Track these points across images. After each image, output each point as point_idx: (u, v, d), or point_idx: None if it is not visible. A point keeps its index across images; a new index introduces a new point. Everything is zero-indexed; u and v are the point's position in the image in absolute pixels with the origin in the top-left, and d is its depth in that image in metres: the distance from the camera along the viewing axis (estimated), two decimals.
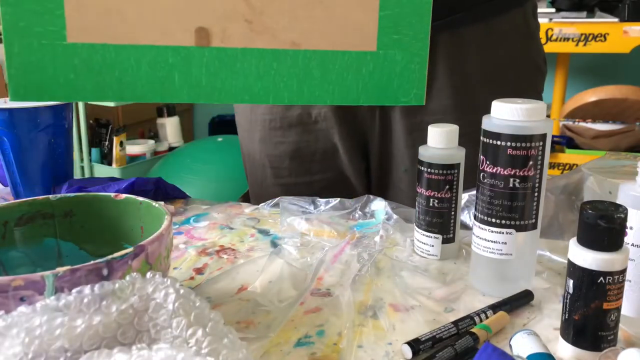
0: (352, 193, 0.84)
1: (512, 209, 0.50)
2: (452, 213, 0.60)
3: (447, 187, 0.59)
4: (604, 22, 2.05)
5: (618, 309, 0.42)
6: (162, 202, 0.50)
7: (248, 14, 0.44)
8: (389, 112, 0.79)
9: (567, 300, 0.43)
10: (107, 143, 2.43)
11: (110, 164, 2.43)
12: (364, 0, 0.46)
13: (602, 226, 0.40)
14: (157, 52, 0.45)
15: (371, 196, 0.73)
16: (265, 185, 0.87)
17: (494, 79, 0.77)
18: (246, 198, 0.97)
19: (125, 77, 0.45)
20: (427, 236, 0.60)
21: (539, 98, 0.83)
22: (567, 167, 2.19)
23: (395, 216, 0.68)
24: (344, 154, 0.82)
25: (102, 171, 2.40)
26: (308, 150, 0.83)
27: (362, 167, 0.84)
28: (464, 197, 0.66)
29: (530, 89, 0.81)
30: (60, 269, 0.37)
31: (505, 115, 0.49)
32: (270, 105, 0.81)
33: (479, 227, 0.53)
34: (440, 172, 0.58)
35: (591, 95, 2.13)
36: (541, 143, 0.49)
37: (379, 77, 0.48)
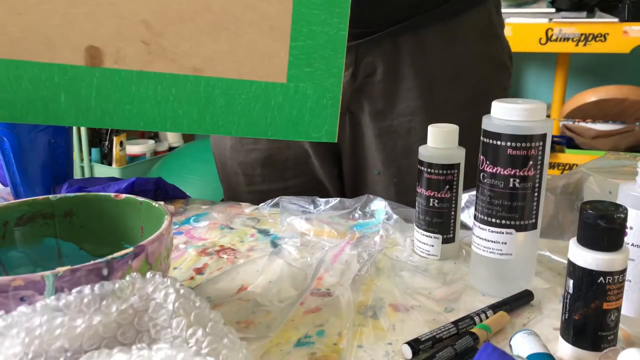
0: (326, 197, 0.84)
1: (512, 209, 0.50)
2: (452, 213, 0.60)
3: (447, 187, 0.59)
4: (604, 22, 2.05)
5: (618, 309, 0.42)
6: (162, 202, 0.50)
7: (146, 35, 0.41)
8: (359, 117, 0.79)
9: (567, 300, 0.43)
10: (107, 143, 2.43)
11: (110, 164, 2.43)
12: (275, 29, 0.42)
13: (602, 226, 0.40)
14: (41, 69, 0.40)
15: (371, 196, 0.73)
16: (239, 192, 0.86)
17: (458, 78, 0.78)
18: None
19: (3, 94, 0.41)
20: (427, 236, 0.60)
21: (506, 95, 0.83)
22: (567, 167, 2.19)
23: (395, 216, 0.68)
24: (316, 159, 0.82)
25: (102, 171, 2.40)
26: (280, 157, 0.82)
27: (335, 172, 0.84)
28: (464, 197, 0.66)
29: (495, 86, 0.81)
30: (60, 269, 0.37)
31: (505, 115, 0.49)
32: None
33: (479, 227, 0.53)
34: (440, 172, 0.58)
35: (591, 95, 2.13)
36: (541, 143, 0.49)
37: (289, 111, 0.45)
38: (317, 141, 0.46)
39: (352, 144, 0.81)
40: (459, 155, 0.59)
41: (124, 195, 0.52)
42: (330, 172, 0.84)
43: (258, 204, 0.76)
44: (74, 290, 0.34)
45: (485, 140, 0.51)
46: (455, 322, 0.47)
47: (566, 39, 2.07)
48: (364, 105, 0.78)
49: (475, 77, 0.79)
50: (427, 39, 0.75)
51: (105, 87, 0.41)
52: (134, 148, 2.59)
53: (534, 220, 0.51)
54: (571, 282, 0.42)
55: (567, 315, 0.43)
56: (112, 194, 0.53)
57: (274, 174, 0.83)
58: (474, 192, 0.54)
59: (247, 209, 0.77)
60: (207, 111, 0.43)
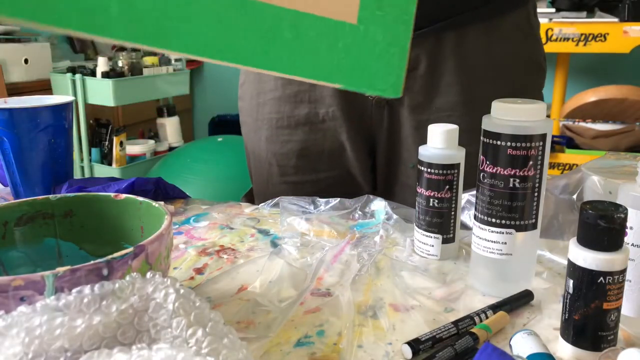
0: (357, 190, 0.84)
1: (512, 209, 0.50)
2: (452, 213, 0.60)
3: (447, 187, 0.59)
4: (604, 22, 2.05)
5: (618, 309, 0.42)
6: (162, 202, 0.50)
7: None
8: (398, 109, 0.80)
9: (567, 300, 0.43)
10: (107, 143, 2.43)
11: (110, 164, 2.43)
12: None
13: (602, 226, 0.40)
14: None
15: (371, 196, 0.73)
16: (271, 184, 0.87)
17: (498, 77, 0.79)
18: (249, 196, 0.96)
19: None
20: (427, 236, 0.60)
21: (540, 96, 0.85)
22: (567, 167, 2.19)
23: (395, 216, 0.68)
24: (351, 152, 0.83)
25: (102, 171, 2.40)
26: (315, 149, 0.83)
27: (369, 164, 0.85)
28: (464, 197, 0.66)
29: (532, 87, 0.82)
30: (60, 269, 0.37)
31: (505, 115, 0.49)
32: (277, 104, 0.82)
33: (479, 227, 0.53)
34: (440, 172, 0.58)
35: (591, 95, 2.13)
36: (541, 143, 0.49)
37: (356, 55, 0.41)
38: (381, 94, 0.42)
39: (389, 136, 0.82)
40: (459, 155, 0.59)
41: (124, 195, 0.52)
42: (365, 164, 0.84)
43: (290, 195, 0.77)
44: (74, 290, 0.34)
45: (485, 140, 0.51)
46: (455, 322, 0.47)
47: (566, 39, 2.07)
48: (403, 99, 0.79)
49: (514, 76, 0.80)
50: (470, 37, 0.77)
51: (162, 3, 0.36)
52: (134, 148, 2.59)
53: (534, 220, 0.51)
54: (571, 282, 0.42)
55: (567, 315, 0.43)
56: (112, 194, 0.53)
57: (308, 165, 0.84)
58: (474, 192, 0.54)
59: (247, 209, 0.77)
60: (272, 45, 0.39)
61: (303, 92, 0.80)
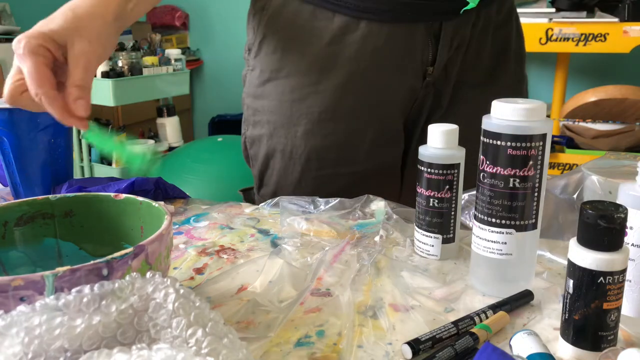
0: (388, 185, 0.85)
1: (512, 209, 0.50)
2: (452, 213, 0.60)
3: (447, 187, 0.59)
4: (604, 22, 2.05)
5: (618, 309, 0.42)
6: (162, 202, 0.50)
7: None
8: (463, 92, 0.82)
9: (567, 300, 0.43)
10: None
11: (110, 164, 2.43)
12: None
13: (602, 226, 0.40)
14: None
15: (371, 196, 0.73)
16: (304, 178, 0.85)
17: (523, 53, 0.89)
18: (249, 193, 0.95)
19: None
20: (427, 236, 0.60)
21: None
22: (567, 167, 2.19)
23: (395, 216, 0.68)
24: (390, 141, 0.83)
25: (102, 171, 2.40)
26: (356, 141, 0.82)
27: (401, 154, 0.86)
28: (464, 197, 0.66)
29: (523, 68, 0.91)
30: (60, 269, 0.37)
31: (506, 115, 0.49)
32: (321, 98, 0.80)
33: (479, 227, 0.53)
34: (440, 172, 0.58)
35: (591, 95, 2.13)
36: (541, 143, 0.49)
37: None
38: None
39: (428, 120, 0.83)
40: (459, 155, 0.59)
41: (123, 195, 0.52)
42: (397, 155, 0.85)
43: (318, 189, 0.76)
44: (73, 290, 0.34)
45: (485, 140, 0.51)
46: (455, 322, 0.47)
47: (566, 39, 2.07)
48: (466, 75, 0.83)
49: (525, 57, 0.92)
50: (513, 14, 0.85)
51: None
52: (134, 148, 2.59)
53: (534, 220, 0.51)
54: (571, 282, 0.42)
55: (567, 315, 0.43)
56: (112, 194, 0.53)
57: (348, 157, 0.83)
58: (474, 192, 0.54)
59: (247, 209, 0.77)
60: None
61: (348, 82, 0.78)
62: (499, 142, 0.49)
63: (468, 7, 0.74)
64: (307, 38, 0.78)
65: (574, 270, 0.42)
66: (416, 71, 0.78)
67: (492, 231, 0.52)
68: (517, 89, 0.88)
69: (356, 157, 0.82)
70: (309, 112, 0.81)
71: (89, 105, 0.58)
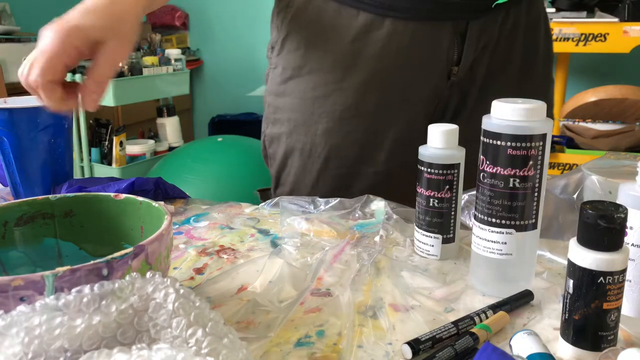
0: (410, 183, 0.83)
1: (512, 209, 0.50)
2: (452, 213, 0.60)
3: (447, 187, 0.59)
4: (604, 22, 2.05)
5: (618, 309, 0.42)
6: (162, 202, 0.50)
7: None
8: (490, 94, 0.80)
9: (567, 300, 0.43)
10: (107, 143, 2.43)
11: (110, 164, 2.43)
12: None
13: (602, 226, 0.40)
14: None
15: (371, 196, 0.73)
16: (323, 176, 0.84)
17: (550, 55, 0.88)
18: (265, 192, 0.94)
19: None
20: (427, 236, 0.60)
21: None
22: (567, 167, 2.19)
23: (395, 216, 0.68)
24: (412, 141, 0.81)
25: (102, 171, 2.40)
26: (377, 140, 0.81)
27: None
28: (464, 197, 0.66)
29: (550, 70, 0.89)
30: (60, 269, 0.37)
31: (506, 115, 0.49)
32: (344, 95, 0.79)
33: (479, 227, 0.53)
34: (440, 172, 0.58)
35: (591, 95, 2.13)
36: (541, 143, 0.49)
37: None
38: None
39: (452, 120, 0.82)
40: (459, 155, 0.59)
41: (123, 195, 0.52)
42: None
43: (336, 189, 0.75)
44: (73, 290, 0.34)
45: (485, 140, 0.51)
46: (455, 322, 0.47)
47: (566, 39, 2.07)
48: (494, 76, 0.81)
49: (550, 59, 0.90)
50: (542, 13, 0.85)
51: None
52: (134, 148, 2.59)
53: (534, 220, 0.51)
54: (571, 282, 0.42)
55: (567, 315, 0.43)
56: (112, 194, 0.53)
57: (368, 156, 0.82)
58: (474, 192, 0.54)
59: (247, 209, 0.77)
60: None
61: (372, 80, 0.77)
62: (499, 142, 0.49)
63: (500, 1, 0.73)
64: (331, 35, 0.77)
65: (574, 270, 0.42)
66: (441, 71, 0.77)
67: (492, 231, 0.52)
68: (545, 92, 0.87)
69: (377, 156, 0.81)
70: (331, 110, 0.80)
71: (99, 101, 0.58)
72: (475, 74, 0.79)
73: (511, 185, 0.50)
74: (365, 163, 0.81)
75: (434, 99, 0.80)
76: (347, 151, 0.81)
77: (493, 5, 0.74)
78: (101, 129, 2.45)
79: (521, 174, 0.50)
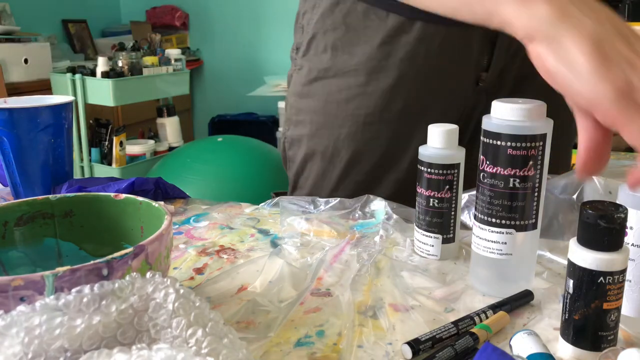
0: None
1: (512, 209, 0.50)
2: (452, 213, 0.60)
3: (447, 187, 0.59)
4: None
5: (618, 309, 0.42)
6: (162, 202, 0.50)
7: None
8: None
9: (567, 300, 0.43)
10: (107, 143, 2.44)
11: (110, 164, 2.43)
12: None
13: (602, 226, 0.40)
14: None
15: (371, 196, 0.73)
16: (342, 183, 0.82)
17: None
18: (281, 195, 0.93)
19: None
20: (427, 236, 0.60)
21: None
22: None
23: (395, 216, 0.68)
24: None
25: (102, 171, 2.41)
26: (399, 148, 0.79)
27: None
28: (464, 197, 0.66)
29: None
30: (60, 269, 0.37)
31: (505, 115, 0.49)
32: (367, 99, 0.77)
33: (479, 227, 0.53)
34: (440, 172, 0.58)
35: None
36: (541, 143, 0.49)
37: None
38: None
39: (477, 126, 0.80)
40: (459, 156, 0.59)
41: (123, 195, 0.52)
42: None
43: (358, 195, 0.75)
44: (73, 290, 0.34)
45: (485, 140, 0.51)
46: (455, 322, 0.47)
47: None
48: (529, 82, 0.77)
49: None
50: None
51: None
52: (134, 148, 2.60)
53: (534, 220, 0.51)
54: (571, 282, 0.42)
55: (567, 315, 0.43)
56: (112, 194, 0.53)
57: (391, 163, 0.80)
58: (474, 192, 0.54)
59: (247, 209, 0.77)
60: None
61: (398, 85, 0.75)
62: (499, 142, 0.49)
63: None
64: (359, 38, 0.75)
65: (574, 270, 0.42)
66: (469, 77, 0.76)
67: (492, 231, 0.52)
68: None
69: (400, 163, 0.80)
70: (355, 114, 0.78)
71: None
72: (504, 79, 0.77)
73: (511, 185, 0.50)
74: (387, 170, 0.80)
75: (460, 106, 0.78)
76: (369, 157, 0.79)
77: None
78: (101, 129, 2.45)
79: (521, 174, 0.50)
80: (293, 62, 0.84)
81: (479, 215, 0.53)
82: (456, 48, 0.74)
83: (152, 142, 2.68)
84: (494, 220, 0.51)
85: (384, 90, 0.76)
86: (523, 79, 0.78)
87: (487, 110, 0.79)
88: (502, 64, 0.76)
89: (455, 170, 0.59)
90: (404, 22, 0.73)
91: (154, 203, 0.50)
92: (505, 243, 0.51)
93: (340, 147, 0.80)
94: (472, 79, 0.76)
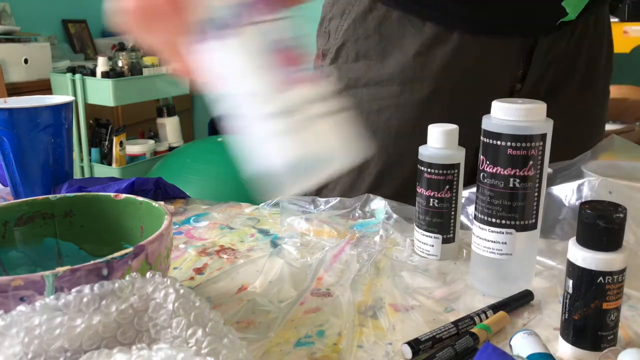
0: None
1: (512, 209, 0.50)
2: (452, 213, 0.60)
3: (447, 187, 0.59)
4: None
5: (618, 309, 0.42)
6: (162, 202, 0.50)
7: None
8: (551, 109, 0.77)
9: (567, 300, 0.43)
10: (107, 143, 2.44)
11: (110, 164, 2.43)
12: None
13: (601, 226, 0.40)
14: None
15: (371, 195, 0.73)
16: (371, 189, 0.79)
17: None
18: None
19: None
20: (427, 236, 0.60)
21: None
22: None
23: (395, 216, 0.68)
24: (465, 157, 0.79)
25: (102, 171, 2.41)
26: None
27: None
28: (464, 194, 0.66)
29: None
30: (60, 269, 0.37)
31: (505, 115, 0.49)
32: (401, 111, 0.74)
33: (479, 227, 0.53)
34: (440, 172, 0.58)
35: None
36: (541, 143, 0.49)
37: None
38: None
39: None
40: (459, 155, 0.59)
41: (123, 195, 0.52)
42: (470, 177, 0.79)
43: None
44: (73, 290, 0.34)
45: (485, 140, 0.51)
46: (455, 322, 0.47)
47: None
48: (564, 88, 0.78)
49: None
50: (606, 22, 0.81)
51: None
52: (134, 148, 2.59)
53: (534, 220, 0.51)
54: (571, 282, 0.42)
55: (567, 315, 0.43)
56: (112, 194, 0.53)
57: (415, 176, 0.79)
58: (474, 190, 0.54)
59: (247, 209, 0.77)
60: None
61: (432, 98, 0.73)
62: (499, 142, 0.49)
63: (566, 19, 0.68)
64: (393, 47, 0.73)
65: (573, 270, 0.42)
66: (504, 88, 0.74)
67: (492, 231, 0.52)
68: (602, 104, 0.83)
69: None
70: (387, 126, 0.75)
71: None
72: (537, 89, 0.75)
73: (511, 185, 0.50)
74: (411, 182, 0.78)
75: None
76: (401, 171, 0.77)
77: (557, 23, 0.69)
78: (101, 129, 2.45)
79: (521, 174, 0.50)
80: (318, 69, 0.81)
81: (479, 215, 0.53)
82: (494, 58, 0.72)
83: (152, 142, 2.68)
84: (494, 220, 0.51)
85: (418, 103, 0.74)
86: (554, 89, 0.76)
87: None
88: (537, 74, 0.74)
89: (455, 170, 0.59)
90: (441, 32, 0.70)
91: (154, 203, 0.50)
92: (505, 243, 0.51)
93: (371, 160, 0.77)
94: (507, 90, 0.74)
